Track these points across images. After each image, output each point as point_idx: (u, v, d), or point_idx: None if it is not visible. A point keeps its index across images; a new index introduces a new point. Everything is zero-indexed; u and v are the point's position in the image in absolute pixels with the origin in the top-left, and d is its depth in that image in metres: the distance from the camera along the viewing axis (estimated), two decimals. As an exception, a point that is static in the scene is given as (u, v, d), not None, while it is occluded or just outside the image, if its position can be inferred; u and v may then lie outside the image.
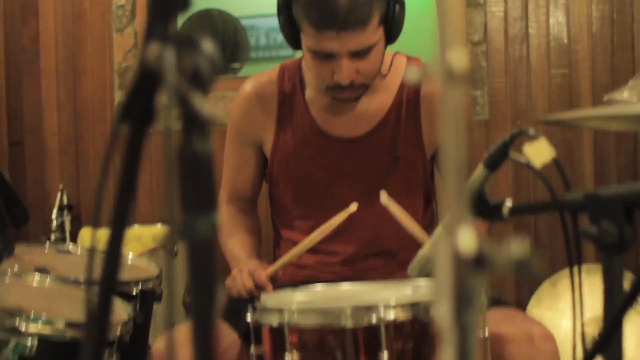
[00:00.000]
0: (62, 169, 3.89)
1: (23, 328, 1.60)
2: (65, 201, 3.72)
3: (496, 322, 1.81)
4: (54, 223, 3.68)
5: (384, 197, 1.88)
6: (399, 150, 2.09)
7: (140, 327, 2.13)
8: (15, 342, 1.58)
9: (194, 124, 0.72)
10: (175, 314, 2.56)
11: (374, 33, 1.92)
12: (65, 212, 3.71)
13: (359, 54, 1.93)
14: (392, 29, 1.96)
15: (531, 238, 3.58)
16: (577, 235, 1.15)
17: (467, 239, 0.59)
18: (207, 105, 0.70)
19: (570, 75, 3.53)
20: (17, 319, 1.61)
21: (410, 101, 2.10)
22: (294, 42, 2.01)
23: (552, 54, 3.54)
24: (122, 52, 3.81)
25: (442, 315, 0.63)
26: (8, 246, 1.72)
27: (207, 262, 0.75)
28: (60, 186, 3.74)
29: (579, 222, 1.17)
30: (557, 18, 3.53)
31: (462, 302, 0.60)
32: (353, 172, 2.11)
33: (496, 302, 1.96)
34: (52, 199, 3.71)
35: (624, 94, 1.40)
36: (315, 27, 1.90)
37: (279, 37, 5.97)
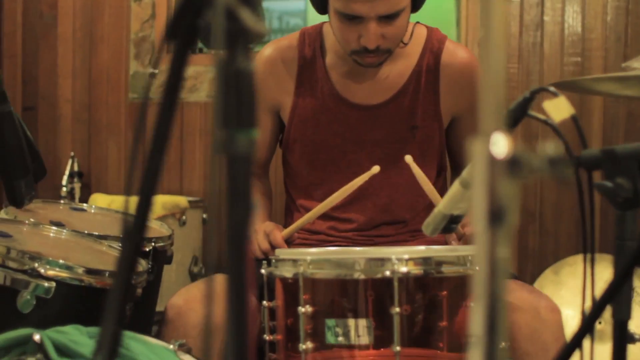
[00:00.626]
0: (74, 136, 3.93)
1: (42, 271, 1.63)
2: (76, 168, 3.75)
3: None
4: (64, 189, 3.71)
5: (409, 159, 1.89)
6: (416, 120, 2.12)
7: (150, 286, 2.16)
8: (34, 284, 1.61)
9: (240, 40, 0.75)
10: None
11: None
12: (76, 179, 3.75)
13: (387, 18, 1.95)
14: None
15: (536, 225, 3.61)
16: (592, 190, 1.18)
17: (502, 143, 0.62)
18: (253, 20, 0.73)
19: (583, 64, 3.56)
20: (37, 262, 1.64)
21: (429, 71, 2.13)
22: (321, 5, 2.03)
23: (566, 42, 3.56)
24: (139, 21, 3.84)
25: (477, 223, 0.66)
26: (30, 191, 1.76)
27: (244, 176, 0.78)
28: (72, 153, 3.78)
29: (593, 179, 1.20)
30: (573, 6, 3.56)
31: (497, 209, 0.64)
32: (370, 140, 2.14)
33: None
34: (63, 166, 3.76)
35: (642, 62, 1.43)
36: None
37: (292, 21, 6.02)
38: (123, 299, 0.91)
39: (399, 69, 2.14)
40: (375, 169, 1.88)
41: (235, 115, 0.77)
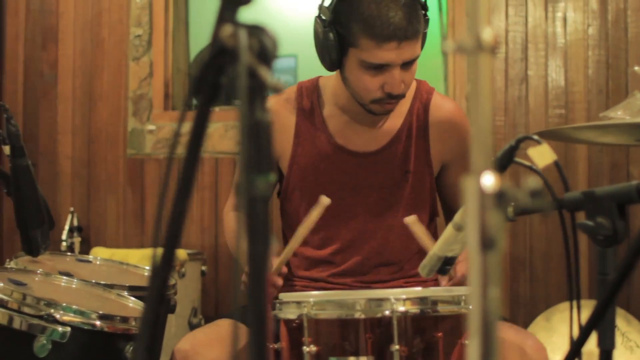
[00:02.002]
0: (73, 192, 4.01)
1: (58, 316, 1.72)
2: (75, 223, 3.83)
3: None
4: (64, 244, 3.78)
5: (411, 220, 1.97)
6: (409, 165, 2.23)
7: (155, 334, 2.23)
8: (51, 329, 1.70)
9: (258, 94, 0.85)
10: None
11: (420, 45, 2.09)
12: (75, 233, 3.82)
13: (407, 65, 2.08)
14: (423, 44, 2.13)
15: (527, 273, 3.69)
16: (575, 229, 1.27)
17: (490, 180, 0.73)
18: (271, 77, 0.83)
19: (567, 116, 3.68)
20: (52, 308, 1.73)
21: (419, 120, 2.25)
22: (335, 63, 2.12)
23: (550, 95, 3.69)
24: (137, 80, 3.96)
25: (471, 249, 0.75)
26: (45, 240, 1.85)
27: (262, 215, 0.88)
28: (71, 208, 3.86)
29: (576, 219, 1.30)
30: (555, 61, 3.69)
31: (487, 238, 0.74)
32: (366, 185, 2.24)
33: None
34: (63, 220, 3.83)
35: (618, 112, 1.54)
36: (376, 40, 2.02)
37: (282, 78, 6.16)
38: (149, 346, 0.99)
39: (392, 118, 2.25)
40: (325, 200, 1.95)
41: (256, 162, 0.87)
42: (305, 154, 2.25)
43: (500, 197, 0.72)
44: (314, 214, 1.97)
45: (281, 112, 2.28)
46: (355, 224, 2.23)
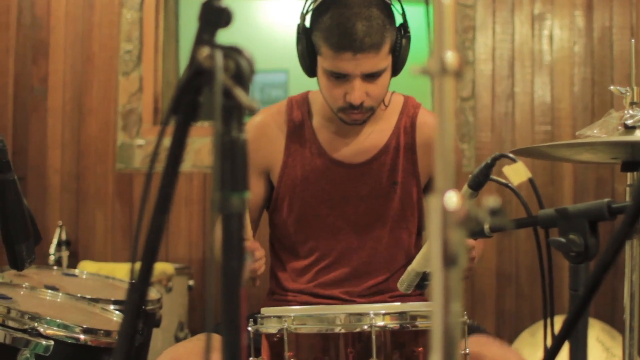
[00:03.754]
0: (62, 206, 4.03)
1: (41, 330, 1.73)
2: (63, 237, 3.84)
3: (475, 344, 1.95)
4: (52, 257, 3.79)
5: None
6: (397, 176, 2.27)
7: (140, 348, 2.25)
8: (34, 342, 1.71)
9: (234, 114, 0.88)
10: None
11: (384, 59, 2.12)
12: (63, 247, 3.83)
13: (370, 77, 2.11)
14: (398, 60, 2.16)
15: (512, 289, 3.72)
16: (549, 246, 1.30)
17: (453, 200, 0.75)
18: (246, 98, 0.86)
19: (553, 132, 3.72)
20: (36, 322, 1.74)
21: (407, 132, 2.30)
22: (310, 69, 2.20)
23: (536, 112, 3.74)
24: (126, 95, 3.99)
25: (434, 267, 0.78)
26: (31, 255, 1.86)
27: (237, 231, 0.90)
28: (60, 222, 3.87)
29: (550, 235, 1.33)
30: (542, 78, 3.74)
31: (449, 255, 0.76)
32: (355, 196, 2.28)
33: (476, 329, 2.11)
34: (51, 234, 3.83)
35: (594, 130, 1.57)
36: (333, 49, 2.08)
37: (274, 92, 6.20)
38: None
39: (380, 129, 2.30)
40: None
41: (230, 180, 0.90)
42: (296, 165, 2.29)
43: (463, 217, 0.74)
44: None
45: (272, 124, 2.32)
46: (343, 235, 2.27)
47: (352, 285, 2.28)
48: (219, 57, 0.84)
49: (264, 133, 2.32)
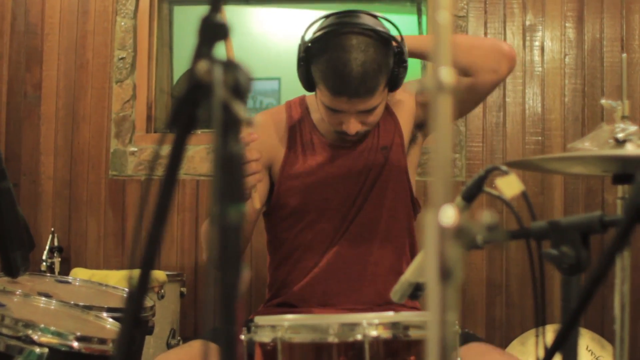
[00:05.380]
0: (54, 212, 4.02)
1: (35, 337, 1.74)
2: (56, 243, 3.83)
3: (476, 353, 1.96)
4: (44, 264, 3.79)
5: None
6: (382, 140, 2.35)
7: (132, 356, 2.25)
8: (28, 350, 1.72)
9: (232, 128, 0.89)
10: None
11: (379, 97, 2.18)
12: (56, 253, 3.83)
13: (366, 112, 2.19)
14: (394, 86, 2.23)
15: (503, 297, 3.74)
16: (541, 258, 1.32)
17: (448, 214, 0.77)
18: (244, 111, 0.87)
19: (544, 143, 3.74)
20: (30, 329, 1.75)
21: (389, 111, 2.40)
22: (310, 87, 2.26)
23: (527, 122, 3.76)
24: (120, 102, 3.99)
25: (429, 281, 0.79)
26: (25, 262, 1.87)
27: (234, 244, 0.91)
28: (52, 228, 3.87)
29: (543, 247, 1.34)
30: (533, 88, 3.76)
31: (445, 269, 0.78)
32: (356, 172, 2.34)
33: (472, 337, 2.12)
34: (44, 241, 3.83)
35: (586, 143, 1.59)
36: (329, 92, 2.15)
37: (266, 100, 6.21)
38: None
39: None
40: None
41: (227, 192, 0.91)
42: (297, 155, 2.36)
43: (458, 231, 0.75)
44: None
45: (272, 121, 2.38)
46: (343, 240, 2.31)
47: (352, 293, 2.31)
48: (218, 71, 0.86)
49: (266, 130, 2.37)
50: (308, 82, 2.23)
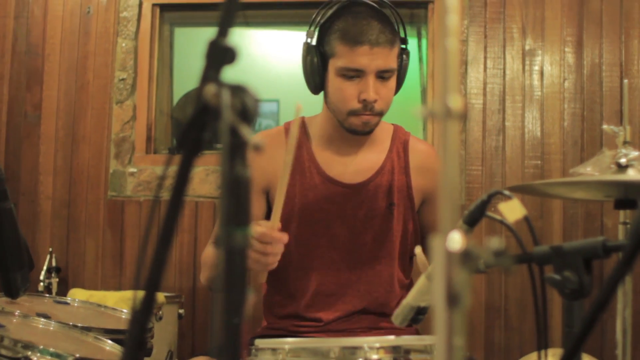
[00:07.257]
0: (52, 232, 4.02)
1: (35, 359, 1.73)
2: (54, 263, 3.82)
3: None
4: (42, 284, 3.78)
5: (418, 250, 2.02)
6: (393, 198, 2.32)
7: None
8: (27, 371, 1.72)
9: (238, 151, 0.89)
10: None
11: (395, 59, 2.23)
12: (53, 274, 3.82)
13: (382, 78, 2.21)
14: (400, 73, 2.26)
15: (502, 321, 3.73)
16: (543, 283, 1.32)
17: (456, 240, 0.77)
18: (252, 135, 0.88)
19: (543, 167, 3.75)
20: (30, 350, 1.74)
21: (399, 156, 2.38)
22: (317, 83, 2.26)
23: (526, 146, 3.77)
24: (120, 123, 4.00)
25: (437, 306, 0.79)
26: (25, 283, 1.87)
27: (240, 266, 0.91)
28: (50, 249, 3.86)
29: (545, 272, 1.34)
30: (532, 113, 3.77)
31: (453, 294, 0.78)
32: (352, 215, 2.33)
33: (472, 363, 2.13)
34: (42, 261, 3.82)
35: (587, 168, 1.60)
36: (350, 44, 2.17)
37: (264, 122, 6.22)
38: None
39: (376, 151, 2.38)
40: (299, 107, 1.96)
41: (234, 215, 0.91)
42: (295, 184, 2.32)
43: (466, 257, 0.76)
44: (294, 129, 1.96)
45: (271, 144, 2.37)
46: (340, 265, 2.30)
47: (351, 316, 2.31)
48: (226, 95, 0.86)
49: (263, 154, 2.36)
50: (318, 71, 2.23)
